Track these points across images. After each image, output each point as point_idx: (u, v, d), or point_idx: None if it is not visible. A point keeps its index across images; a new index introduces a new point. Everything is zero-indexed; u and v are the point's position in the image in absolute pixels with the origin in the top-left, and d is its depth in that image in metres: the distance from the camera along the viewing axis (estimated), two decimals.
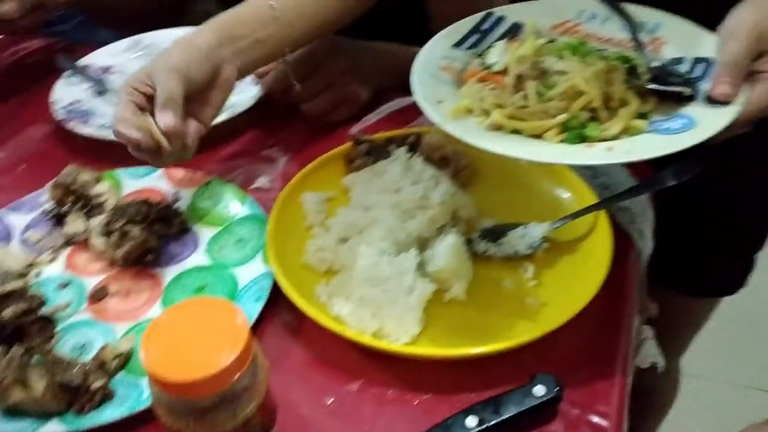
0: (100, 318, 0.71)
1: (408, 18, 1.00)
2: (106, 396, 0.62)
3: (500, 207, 0.78)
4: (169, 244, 0.78)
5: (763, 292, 1.07)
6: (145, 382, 0.64)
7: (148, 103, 0.73)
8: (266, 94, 0.93)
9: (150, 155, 0.73)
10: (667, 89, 0.67)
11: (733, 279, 1.03)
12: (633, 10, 0.77)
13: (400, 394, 0.63)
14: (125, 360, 0.66)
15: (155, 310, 0.71)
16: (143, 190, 0.84)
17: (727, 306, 1.09)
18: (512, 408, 0.58)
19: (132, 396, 0.62)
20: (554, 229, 0.73)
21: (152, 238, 0.76)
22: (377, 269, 0.67)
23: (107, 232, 0.76)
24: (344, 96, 0.93)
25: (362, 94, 0.95)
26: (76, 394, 0.62)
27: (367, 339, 0.64)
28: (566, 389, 0.60)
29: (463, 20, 0.78)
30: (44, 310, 0.70)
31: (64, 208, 0.79)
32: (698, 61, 0.70)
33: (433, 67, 0.72)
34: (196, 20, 0.83)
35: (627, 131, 0.65)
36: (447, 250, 0.69)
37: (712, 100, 0.64)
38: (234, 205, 0.81)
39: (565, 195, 0.78)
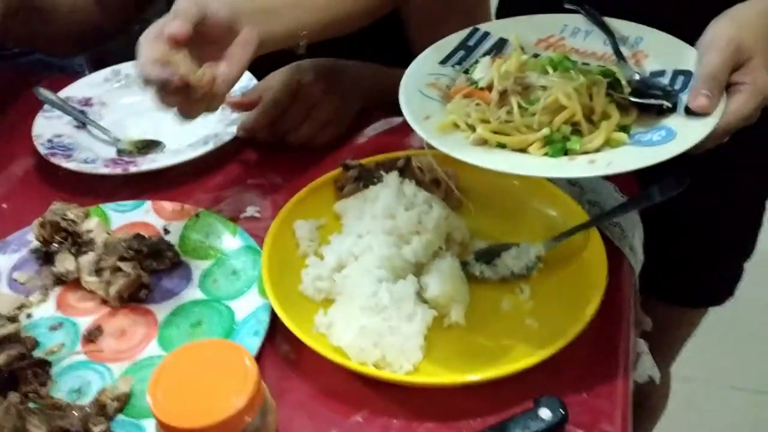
0: (95, 359, 0.70)
1: (388, 40, 1.01)
2: None
3: (492, 228, 0.79)
4: (161, 279, 0.77)
5: (746, 292, 1.09)
6: (145, 423, 0.63)
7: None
8: (247, 137, 0.92)
9: (180, 99, 0.69)
10: (648, 102, 0.69)
11: (722, 289, 1.05)
12: (615, 24, 0.78)
13: (406, 422, 0.63)
14: (124, 402, 0.65)
15: (152, 349, 0.70)
16: (132, 224, 0.83)
17: (711, 308, 1.11)
18: None
19: None
20: (548, 248, 0.74)
21: (144, 274, 0.75)
22: (376, 298, 0.67)
23: (98, 270, 0.75)
24: (327, 117, 0.93)
25: (345, 112, 0.94)
26: None
27: (369, 369, 0.64)
28: (570, 410, 0.61)
29: (449, 36, 0.79)
30: (38, 354, 0.69)
31: (53, 247, 0.78)
32: (678, 73, 0.71)
33: (420, 83, 0.73)
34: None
35: (609, 144, 0.66)
36: (444, 275, 0.69)
37: (691, 112, 0.65)
38: (225, 236, 0.80)
39: (556, 214, 0.79)
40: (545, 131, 0.66)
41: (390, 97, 0.85)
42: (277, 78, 0.91)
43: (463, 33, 0.80)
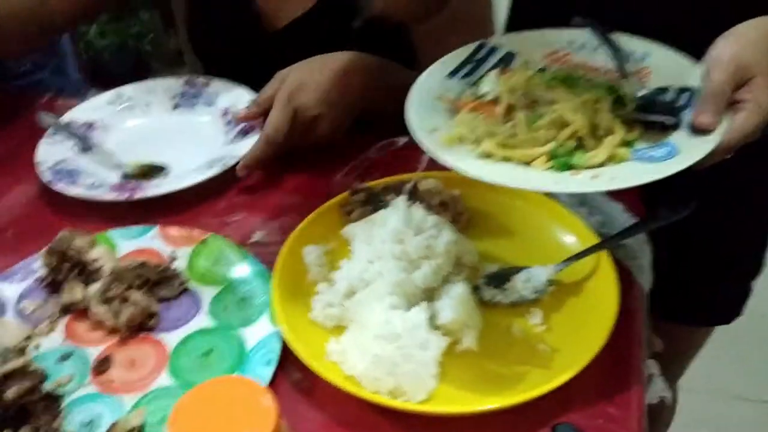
0: (106, 390, 0.69)
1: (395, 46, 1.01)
2: None
3: (501, 251, 0.79)
4: (170, 307, 0.77)
5: (750, 302, 1.09)
6: None
7: None
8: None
9: None
10: (652, 118, 0.69)
11: (730, 307, 1.05)
12: (622, 40, 0.78)
13: None
14: None
15: (163, 379, 0.69)
16: (139, 251, 0.82)
17: None
18: None
19: None
20: (558, 271, 0.74)
21: (153, 303, 0.75)
22: (389, 326, 0.66)
23: (107, 299, 0.75)
24: (323, 133, 0.93)
25: (343, 117, 0.94)
26: None
27: (383, 399, 0.63)
28: None
29: (458, 50, 0.80)
30: (47, 386, 0.69)
31: (60, 276, 0.78)
32: (683, 90, 0.71)
33: (428, 96, 0.73)
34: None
35: (612, 159, 0.67)
36: (455, 301, 0.69)
37: (694, 129, 0.66)
38: (234, 262, 0.80)
39: (565, 236, 0.79)
40: (550, 146, 0.67)
41: (396, 94, 0.86)
42: (275, 106, 0.91)
43: (471, 47, 0.80)
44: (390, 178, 0.85)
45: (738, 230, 0.98)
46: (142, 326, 0.74)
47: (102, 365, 0.71)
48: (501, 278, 0.74)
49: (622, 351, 0.70)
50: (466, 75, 0.77)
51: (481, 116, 0.70)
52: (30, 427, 0.63)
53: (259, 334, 0.72)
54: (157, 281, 0.77)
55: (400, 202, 0.78)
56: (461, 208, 0.81)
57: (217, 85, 1.05)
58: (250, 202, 0.91)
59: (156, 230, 0.84)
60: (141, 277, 0.76)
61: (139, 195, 0.88)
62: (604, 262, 0.74)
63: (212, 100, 1.04)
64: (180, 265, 0.81)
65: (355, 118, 0.97)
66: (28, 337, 0.74)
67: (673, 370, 1.12)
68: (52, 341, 0.74)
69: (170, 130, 1.02)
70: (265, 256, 0.81)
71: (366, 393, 0.64)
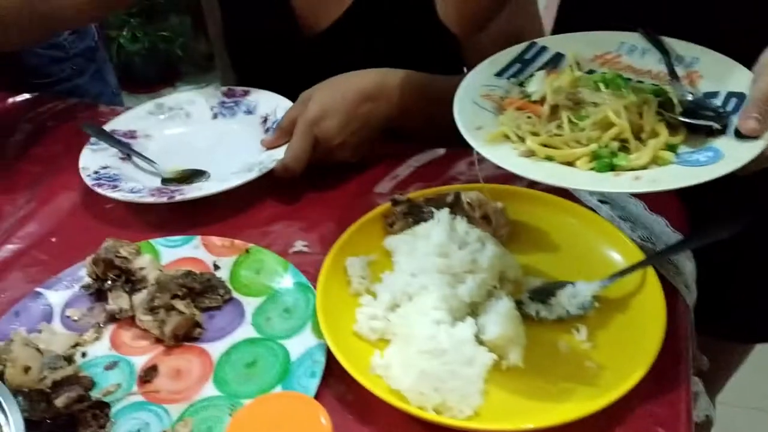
0: (152, 400, 0.70)
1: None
2: None
3: (545, 265, 0.78)
4: (213, 317, 0.77)
5: None
6: None
7: None
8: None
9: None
10: (698, 122, 0.68)
11: None
12: (672, 43, 0.78)
13: None
14: None
15: (208, 390, 0.70)
16: (182, 260, 0.83)
17: None
18: None
19: None
20: (603, 287, 0.73)
21: (198, 313, 0.75)
22: (435, 341, 0.66)
23: (152, 308, 0.75)
24: (352, 153, 0.94)
25: (369, 134, 0.94)
26: None
27: (429, 414, 0.63)
28: None
29: (506, 50, 0.80)
30: (95, 394, 0.69)
31: (106, 284, 0.78)
32: (731, 95, 0.71)
33: (474, 94, 0.74)
34: None
35: (655, 162, 0.67)
36: (501, 316, 0.69)
37: (740, 135, 0.65)
38: (276, 273, 0.80)
39: (609, 251, 0.78)
40: (593, 146, 0.67)
41: (432, 108, 0.87)
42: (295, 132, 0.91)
43: (520, 46, 0.81)
44: (432, 189, 0.84)
45: None
46: (186, 336, 0.75)
47: (148, 374, 0.72)
48: (545, 293, 0.74)
49: (669, 369, 0.69)
50: (514, 74, 0.78)
51: (526, 115, 0.71)
52: None
53: (302, 345, 0.72)
54: (201, 291, 0.78)
55: (442, 214, 0.78)
56: (504, 220, 0.80)
57: (256, 94, 1.06)
58: (291, 212, 0.91)
59: (199, 240, 0.85)
60: (185, 286, 0.77)
61: (179, 198, 0.89)
62: (650, 278, 0.73)
63: (252, 109, 1.05)
64: (222, 274, 0.81)
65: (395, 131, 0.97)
66: (75, 345, 0.75)
67: (713, 385, 1.11)
68: (98, 349, 0.75)
69: (209, 138, 1.03)
70: (306, 266, 0.81)
71: (412, 408, 0.63)
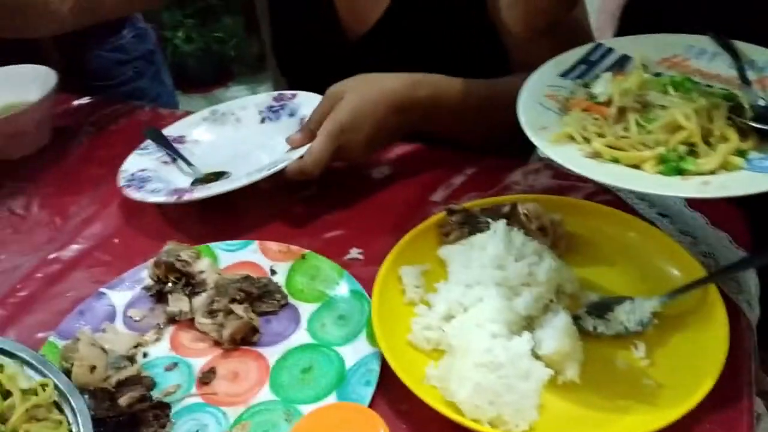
0: (210, 402, 0.71)
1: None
2: None
3: (601, 279, 0.77)
4: (270, 321, 0.78)
5: None
6: None
7: None
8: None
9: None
10: None
11: None
12: (744, 48, 0.77)
13: None
14: None
15: (265, 394, 0.71)
16: (240, 264, 0.85)
17: None
18: None
19: None
20: (663, 303, 0.72)
21: (255, 318, 0.77)
22: (492, 354, 0.66)
23: (211, 312, 0.77)
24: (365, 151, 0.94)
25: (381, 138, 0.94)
26: None
27: (485, 428, 0.63)
28: None
29: (571, 50, 0.80)
30: (155, 394, 0.71)
31: (166, 286, 0.80)
32: None
33: (539, 94, 0.74)
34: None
35: (724, 167, 0.66)
36: (558, 331, 0.68)
37: None
38: (332, 279, 0.81)
39: (669, 266, 0.77)
40: (661, 149, 0.66)
41: (460, 112, 0.88)
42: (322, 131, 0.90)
43: (585, 47, 0.80)
44: (488, 200, 0.84)
45: None
46: (243, 340, 0.76)
47: (206, 376, 0.73)
48: (603, 308, 0.73)
49: (730, 389, 0.68)
50: (579, 75, 0.77)
51: (592, 116, 0.70)
52: None
53: (358, 353, 0.73)
54: (259, 295, 0.79)
55: (499, 225, 0.78)
56: (561, 232, 0.80)
57: (302, 96, 1.05)
58: (345, 220, 0.92)
59: (256, 244, 0.86)
60: (244, 291, 0.78)
61: (187, 197, 0.89)
62: (712, 296, 0.72)
63: (294, 111, 1.04)
64: (279, 279, 0.82)
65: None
66: (137, 345, 0.77)
67: None
68: (159, 350, 0.77)
69: (254, 142, 1.03)
70: (361, 273, 0.82)
71: (467, 421, 0.63)
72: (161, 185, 0.95)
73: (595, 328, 0.71)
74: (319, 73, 1.10)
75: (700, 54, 0.78)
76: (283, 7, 1.16)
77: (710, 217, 0.83)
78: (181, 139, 1.05)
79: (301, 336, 0.76)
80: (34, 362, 0.67)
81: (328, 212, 0.93)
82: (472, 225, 0.81)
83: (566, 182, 0.93)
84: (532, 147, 0.69)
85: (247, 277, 0.80)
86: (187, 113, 1.11)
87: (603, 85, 0.74)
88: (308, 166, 0.88)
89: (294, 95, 1.07)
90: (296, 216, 0.93)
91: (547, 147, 0.67)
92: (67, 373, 0.69)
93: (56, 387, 0.65)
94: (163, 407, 0.70)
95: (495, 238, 0.76)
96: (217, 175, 0.97)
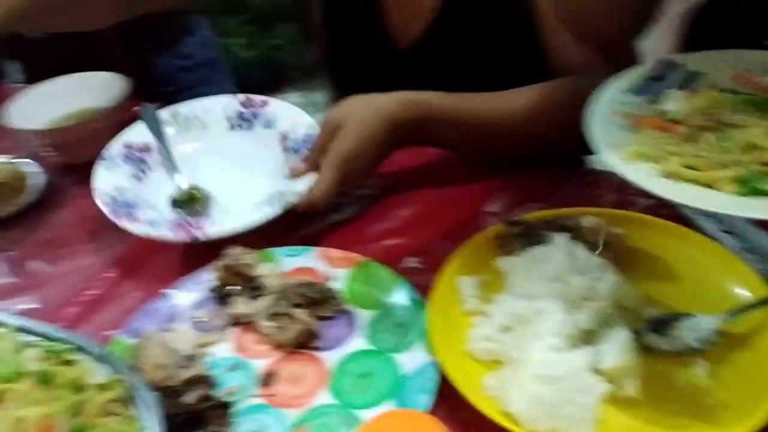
0: (271, 403, 0.73)
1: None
2: None
3: (663, 295, 0.77)
4: (329, 326, 0.80)
5: None
6: None
7: None
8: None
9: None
10: None
11: None
12: None
13: None
14: None
15: (324, 397, 0.72)
16: (300, 269, 0.86)
17: None
18: None
19: None
20: (727, 321, 0.71)
21: (315, 322, 0.78)
22: (550, 367, 0.66)
23: (273, 315, 0.79)
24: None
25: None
26: None
27: None
28: None
29: (638, 66, 0.79)
30: (217, 394, 0.73)
31: (231, 290, 0.83)
32: None
33: (606, 111, 0.73)
34: None
35: None
36: (619, 346, 0.68)
37: None
38: (390, 287, 0.82)
39: (732, 284, 0.76)
40: (738, 169, 0.65)
41: (466, 132, 0.90)
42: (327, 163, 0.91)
43: (652, 63, 0.79)
44: (549, 212, 0.84)
45: None
46: (304, 344, 0.78)
47: (268, 378, 0.75)
48: (664, 324, 0.72)
49: None
50: (647, 91, 0.76)
51: (664, 135, 0.69)
52: None
53: (415, 361, 0.74)
54: (319, 301, 0.81)
55: (562, 239, 0.78)
56: (623, 247, 0.79)
57: (275, 105, 1.03)
58: (401, 229, 0.93)
59: (317, 251, 0.88)
60: (305, 296, 0.80)
61: (201, 236, 0.88)
62: None
63: (270, 123, 1.02)
64: (338, 286, 0.84)
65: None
66: (201, 346, 0.79)
67: None
68: (222, 351, 0.79)
69: (226, 154, 1.01)
70: (418, 282, 0.82)
71: None
72: (155, 214, 0.93)
73: (656, 345, 0.71)
74: (370, 83, 1.12)
75: None
76: (338, 17, 1.18)
77: None
78: (147, 149, 1.01)
79: (359, 342, 0.78)
80: (106, 358, 0.70)
81: (384, 221, 0.95)
82: (532, 237, 0.82)
83: (624, 196, 0.92)
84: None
85: (308, 283, 0.81)
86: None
87: (673, 103, 0.73)
88: (317, 200, 0.89)
89: (265, 102, 1.03)
90: (352, 224, 0.94)
91: (621, 166, 0.66)
92: (135, 370, 0.71)
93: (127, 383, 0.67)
94: (225, 407, 0.72)
95: (558, 252, 0.76)
96: (200, 197, 0.95)
